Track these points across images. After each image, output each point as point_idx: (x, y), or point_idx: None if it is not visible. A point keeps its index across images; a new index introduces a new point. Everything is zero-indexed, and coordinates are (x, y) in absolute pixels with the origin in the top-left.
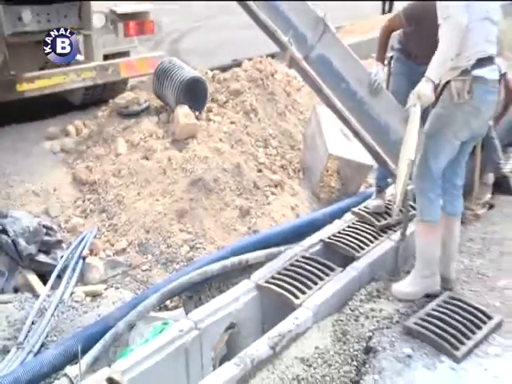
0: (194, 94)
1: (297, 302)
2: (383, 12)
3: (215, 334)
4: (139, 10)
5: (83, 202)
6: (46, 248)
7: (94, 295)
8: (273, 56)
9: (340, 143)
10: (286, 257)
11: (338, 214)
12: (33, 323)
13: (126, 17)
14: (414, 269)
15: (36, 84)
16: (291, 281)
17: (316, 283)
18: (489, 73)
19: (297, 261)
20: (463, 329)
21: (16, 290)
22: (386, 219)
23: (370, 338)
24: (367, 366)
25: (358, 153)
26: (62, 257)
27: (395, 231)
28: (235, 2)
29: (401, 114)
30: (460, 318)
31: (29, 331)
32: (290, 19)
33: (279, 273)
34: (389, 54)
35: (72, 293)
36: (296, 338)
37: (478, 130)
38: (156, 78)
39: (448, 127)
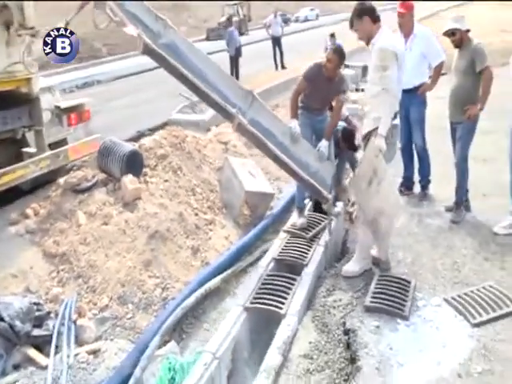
0: (133, 163)
1: (282, 312)
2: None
3: (228, 357)
4: (78, 103)
5: (57, 273)
6: (39, 322)
7: (95, 352)
8: (166, 124)
9: (250, 181)
10: (255, 278)
11: (261, 235)
12: None
13: (68, 110)
14: (356, 254)
15: (2, 180)
16: (270, 297)
17: (288, 293)
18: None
19: (265, 279)
20: (399, 295)
21: (15, 367)
22: (311, 231)
23: (344, 323)
24: (356, 343)
25: (262, 186)
26: (53, 326)
27: (319, 238)
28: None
29: (314, 153)
30: (394, 288)
31: None
32: (228, 96)
33: (257, 293)
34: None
35: (76, 355)
36: (293, 340)
37: None
38: (100, 155)
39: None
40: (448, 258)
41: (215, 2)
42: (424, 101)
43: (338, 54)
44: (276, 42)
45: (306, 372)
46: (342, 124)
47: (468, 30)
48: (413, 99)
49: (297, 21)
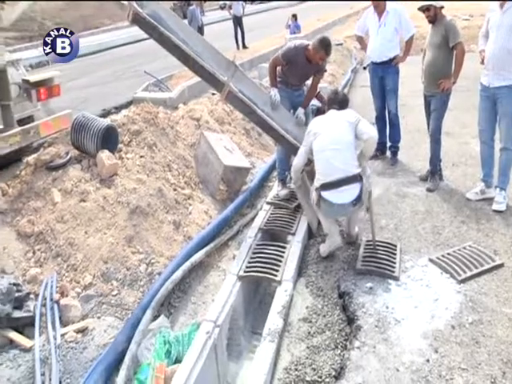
0: (109, 139)
1: (277, 278)
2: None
3: (226, 325)
4: (47, 76)
5: (34, 253)
6: (18, 304)
7: (83, 330)
8: (131, 102)
9: (227, 156)
10: (245, 248)
11: (240, 208)
12: (42, 374)
13: (37, 84)
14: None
15: None
16: (262, 265)
17: (280, 260)
18: (333, 196)
19: (255, 249)
20: (388, 257)
21: None
22: (294, 202)
23: (339, 286)
24: (352, 304)
25: (239, 160)
26: (34, 307)
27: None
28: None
29: (293, 120)
30: (383, 252)
31: (43, 382)
32: (213, 66)
33: (249, 262)
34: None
35: (63, 334)
36: (290, 306)
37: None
38: (74, 131)
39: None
40: (428, 222)
41: None
42: (398, 71)
43: (325, 48)
44: (237, 21)
45: (307, 335)
46: (315, 103)
47: (442, 7)
48: (387, 70)
49: (252, 2)
